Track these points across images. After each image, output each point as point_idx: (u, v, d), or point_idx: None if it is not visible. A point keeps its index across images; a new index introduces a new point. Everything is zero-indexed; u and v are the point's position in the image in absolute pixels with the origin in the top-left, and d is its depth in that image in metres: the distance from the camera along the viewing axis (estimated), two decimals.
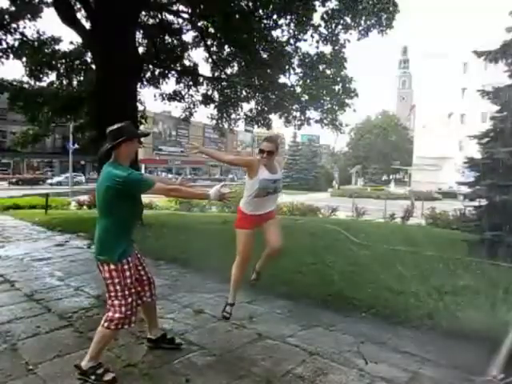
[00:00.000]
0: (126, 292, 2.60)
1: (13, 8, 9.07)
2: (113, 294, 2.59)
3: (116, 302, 2.59)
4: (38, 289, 4.48)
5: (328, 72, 10.84)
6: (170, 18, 11.38)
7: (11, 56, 9.63)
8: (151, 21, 11.44)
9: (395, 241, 7.35)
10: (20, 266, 5.58)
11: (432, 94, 42.47)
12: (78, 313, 3.75)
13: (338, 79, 10.72)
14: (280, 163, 3.43)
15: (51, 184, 37.64)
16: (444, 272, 5.05)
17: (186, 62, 12.26)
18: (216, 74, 11.95)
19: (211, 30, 10.90)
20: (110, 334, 2.62)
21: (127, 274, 2.61)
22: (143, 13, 10.54)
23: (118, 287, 2.59)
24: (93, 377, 2.54)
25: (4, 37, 9.32)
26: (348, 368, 2.80)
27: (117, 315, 2.58)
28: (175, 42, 11.84)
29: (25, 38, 9.73)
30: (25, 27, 9.64)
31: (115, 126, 2.61)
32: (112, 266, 2.56)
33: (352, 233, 8.03)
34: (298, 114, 11.55)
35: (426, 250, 6.35)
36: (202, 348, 3.06)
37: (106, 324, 2.59)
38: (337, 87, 10.80)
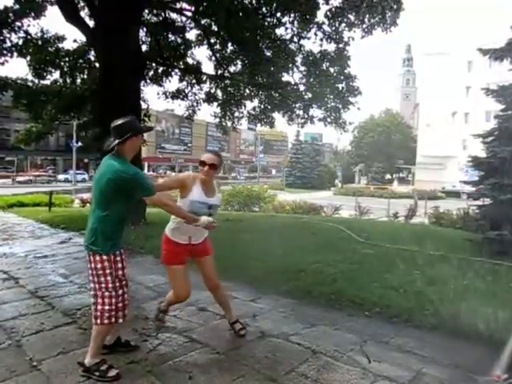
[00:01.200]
0: (117, 284, 2.59)
1: (17, 6, 9.09)
2: (103, 285, 2.57)
3: (106, 294, 2.58)
4: (42, 286, 4.50)
5: (332, 70, 10.80)
6: (174, 15, 11.37)
7: (15, 54, 9.65)
8: (154, 19, 11.43)
9: (398, 240, 7.33)
10: (24, 263, 5.60)
11: (436, 93, 42.28)
12: (81, 310, 3.76)
13: (342, 77, 10.69)
14: (218, 187, 3.17)
15: (57, 181, 37.90)
16: (447, 271, 5.03)
17: (190, 60, 12.27)
18: (219, 72, 11.93)
19: (214, 28, 10.88)
20: (104, 329, 2.61)
21: (119, 265, 2.60)
22: (146, 11, 10.53)
23: (109, 278, 2.58)
24: (97, 373, 2.55)
25: (8, 35, 9.34)
26: (351, 367, 2.80)
27: (107, 307, 2.57)
28: (178, 40, 11.83)
29: (29, 37, 9.75)
30: (29, 25, 9.67)
31: (120, 121, 2.59)
32: (104, 257, 2.56)
33: (355, 232, 8.02)
34: (301, 112, 11.53)
35: (429, 249, 6.33)
36: (205, 345, 3.07)
37: (98, 320, 2.58)
38: (340, 85, 10.77)
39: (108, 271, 2.56)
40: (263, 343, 3.14)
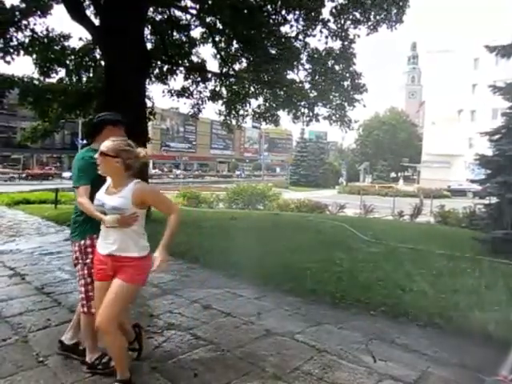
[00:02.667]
0: (86, 271, 2.60)
1: (23, 5, 9.13)
2: (80, 272, 2.63)
3: (82, 282, 2.62)
4: (48, 282, 4.53)
5: (337, 68, 10.76)
6: (178, 13, 11.37)
7: (22, 52, 9.69)
8: (159, 17, 11.44)
9: (404, 238, 7.32)
10: (30, 259, 5.64)
11: (442, 90, 41.96)
12: None
13: (347, 75, 10.65)
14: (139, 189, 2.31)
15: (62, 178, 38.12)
16: (454, 270, 5.01)
17: (194, 58, 12.28)
18: (224, 70, 11.92)
19: (219, 25, 10.87)
20: (85, 318, 2.62)
21: (89, 249, 2.59)
22: (151, 9, 10.54)
23: (79, 266, 2.63)
24: (100, 366, 2.58)
25: (15, 34, 9.39)
26: (356, 365, 2.79)
27: (81, 295, 2.61)
28: (183, 38, 11.83)
29: (35, 35, 9.78)
30: (35, 24, 9.70)
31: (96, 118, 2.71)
32: (80, 243, 2.61)
33: (360, 230, 8.00)
34: (306, 110, 11.49)
35: (435, 248, 6.31)
36: (210, 343, 3.07)
37: (80, 308, 2.64)
38: (346, 83, 10.73)
39: (81, 260, 2.62)
40: (268, 341, 3.14)
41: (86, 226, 2.61)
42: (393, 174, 61.27)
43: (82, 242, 2.62)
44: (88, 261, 2.59)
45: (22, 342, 3.03)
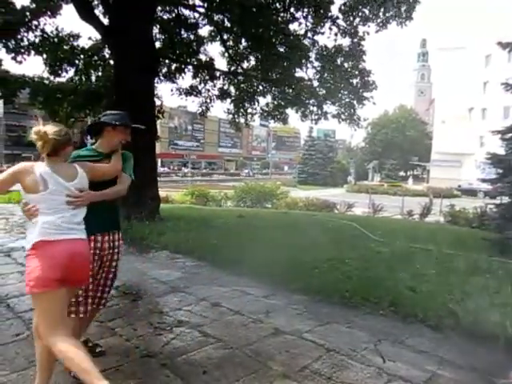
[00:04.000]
0: None
1: (33, 5, 9.22)
2: None
3: None
4: None
5: (346, 65, 10.70)
6: (186, 12, 11.39)
7: (32, 52, 9.79)
8: (167, 16, 11.47)
9: (413, 238, 7.26)
10: None
11: (452, 88, 41.48)
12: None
13: (356, 72, 10.58)
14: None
15: None
16: (464, 271, 4.96)
17: (202, 57, 12.29)
18: (232, 68, 11.92)
19: (227, 24, 10.87)
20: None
21: None
22: (159, 8, 10.57)
23: None
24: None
25: (26, 34, 9.49)
26: (365, 365, 2.78)
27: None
28: (191, 36, 11.85)
29: (45, 35, 9.87)
30: (45, 24, 9.79)
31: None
32: None
33: (369, 229, 7.95)
34: (314, 108, 11.45)
35: (445, 248, 6.24)
36: (218, 341, 3.08)
37: None
38: (355, 81, 10.67)
39: None
40: (277, 340, 3.14)
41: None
42: (401, 173, 60.79)
43: None
44: None
45: (33, 338, 3.07)
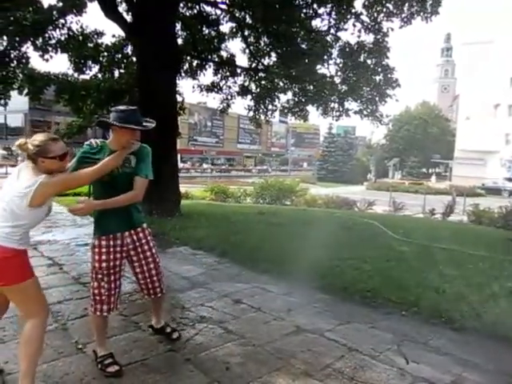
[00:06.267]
0: (94, 275, 2.56)
1: (60, 4, 9.42)
2: (91, 274, 2.60)
3: (91, 284, 2.59)
4: (84, 273, 4.67)
5: (369, 62, 10.53)
6: (208, 8, 11.42)
7: (59, 50, 10.02)
8: (189, 12, 11.52)
9: (436, 237, 7.13)
10: (67, 250, 5.86)
11: (477, 84, 40.35)
12: (121, 297, 3.89)
13: (379, 69, 10.40)
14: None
15: None
16: (489, 272, 4.85)
17: (224, 53, 12.31)
18: (253, 64, 11.90)
19: (249, 20, 10.84)
20: (92, 318, 2.67)
21: (96, 250, 2.53)
22: (181, 4, 10.64)
23: (91, 266, 2.58)
24: (99, 365, 2.56)
25: (53, 32, 9.71)
26: (388, 366, 2.76)
27: (91, 297, 2.60)
28: (213, 33, 11.88)
29: (71, 33, 10.08)
30: (71, 22, 10.00)
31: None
32: (91, 242, 2.60)
33: (390, 228, 7.85)
34: (336, 105, 11.33)
35: (469, 249, 6.11)
36: (241, 337, 3.11)
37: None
38: (378, 77, 10.49)
39: (90, 259, 2.60)
40: (298, 338, 3.15)
41: (96, 225, 2.60)
42: (423, 171, 59.57)
43: (92, 241, 2.60)
44: (97, 265, 2.54)
45: (61, 330, 3.17)
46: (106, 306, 2.56)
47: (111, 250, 2.53)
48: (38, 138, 2.17)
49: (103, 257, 2.53)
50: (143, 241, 2.69)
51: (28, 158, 2.17)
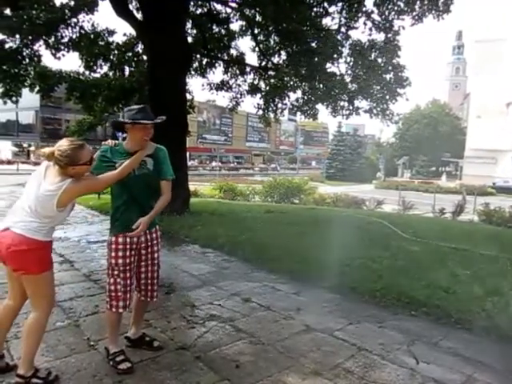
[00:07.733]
0: (110, 271, 2.58)
1: (72, 3, 9.51)
2: (108, 270, 2.62)
3: (107, 280, 2.61)
4: (95, 270, 4.74)
5: (379, 60, 10.44)
6: (218, 7, 11.43)
7: (71, 49, 10.11)
8: (199, 10, 11.54)
9: (446, 237, 7.07)
10: (78, 247, 5.93)
11: (489, 82, 39.71)
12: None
13: (390, 68, 10.32)
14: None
15: None
16: (501, 272, 4.80)
17: (233, 52, 12.32)
18: (263, 63, 11.89)
19: (259, 18, 10.82)
20: (107, 315, 2.68)
21: (113, 247, 2.57)
22: (191, 3, 10.66)
23: (107, 263, 2.62)
24: (111, 362, 2.59)
25: (66, 31, 9.80)
26: (398, 366, 2.76)
27: (106, 293, 2.62)
28: (222, 31, 11.89)
29: (83, 31, 10.16)
30: (83, 21, 10.08)
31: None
32: (109, 239, 2.62)
33: (399, 227, 7.80)
34: (346, 103, 11.26)
35: (480, 248, 6.06)
36: (251, 336, 3.13)
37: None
38: (388, 76, 10.41)
39: (107, 255, 2.64)
40: (308, 337, 3.15)
41: (113, 223, 2.65)
42: (433, 169, 58.93)
43: (109, 238, 2.64)
44: (113, 261, 2.57)
45: (73, 326, 3.21)
46: (122, 303, 2.59)
47: (127, 246, 2.58)
48: (65, 146, 2.21)
49: (120, 253, 2.57)
50: (154, 241, 2.74)
51: (55, 163, 2.23)
